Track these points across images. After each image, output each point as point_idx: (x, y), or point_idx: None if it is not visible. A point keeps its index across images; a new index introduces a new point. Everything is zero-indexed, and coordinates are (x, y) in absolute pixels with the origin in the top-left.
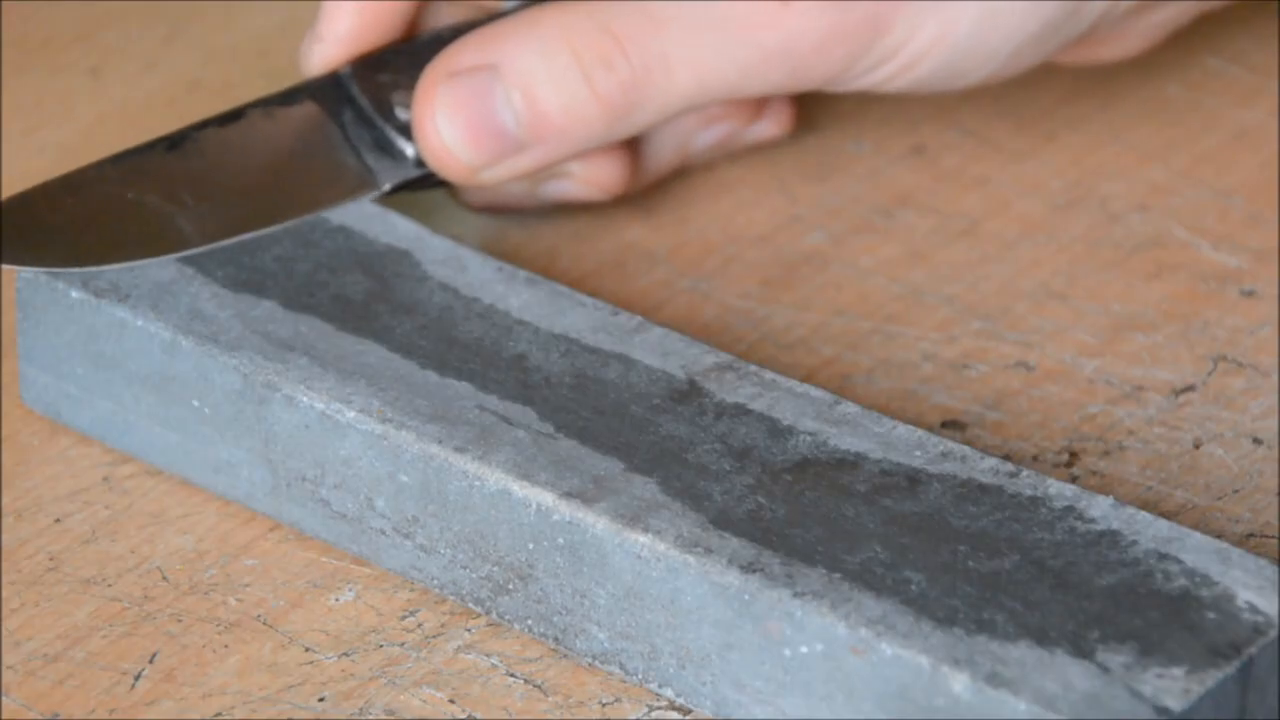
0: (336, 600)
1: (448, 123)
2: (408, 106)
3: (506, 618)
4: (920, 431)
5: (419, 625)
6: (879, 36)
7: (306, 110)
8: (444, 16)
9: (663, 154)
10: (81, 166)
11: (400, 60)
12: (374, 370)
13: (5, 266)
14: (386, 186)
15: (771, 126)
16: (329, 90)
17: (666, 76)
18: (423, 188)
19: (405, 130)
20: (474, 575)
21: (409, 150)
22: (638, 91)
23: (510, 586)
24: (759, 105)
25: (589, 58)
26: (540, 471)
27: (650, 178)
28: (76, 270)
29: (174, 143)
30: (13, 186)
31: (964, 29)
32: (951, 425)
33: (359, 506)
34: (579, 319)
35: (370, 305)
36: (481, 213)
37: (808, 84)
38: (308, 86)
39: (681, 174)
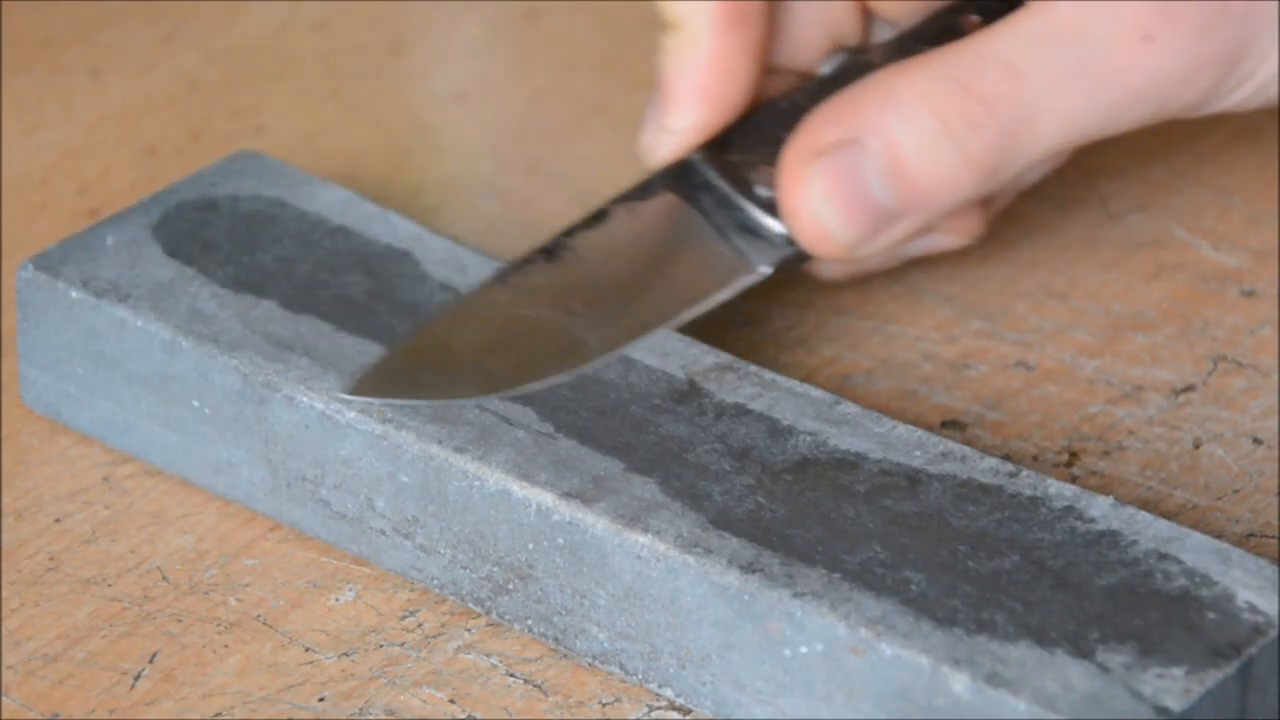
0: (336, 600)
1: (823, 204)
2: (766, 184)
3: (506, 618)
4: (920, 431)
5: (419, 625)
6: (1238, 62)
7: (666, 201)
8: (771, 85)
9: (1011, 188)
10: (468, 293)
11: (747, 137)
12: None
13: (435, 403)
14: (764, 269)
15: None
16: (683, 177)
17: (1033, 129)
18: (793, 265)
19: (768, 208)
20: (474, 575)
21: (776, 227)
22: (1006, 148)
23: (510, 586)
24: None
25: (955, 122)
26: (540, 471)
27: (996, 214)
28: (496, 395)
29: (549, 252)
30: (13, 186)
31: None
32: (951, 425)
33: (359, 506)
34: None
35: (370, 305)
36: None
37: (1169, 115)
38: (660, 177)
39: None
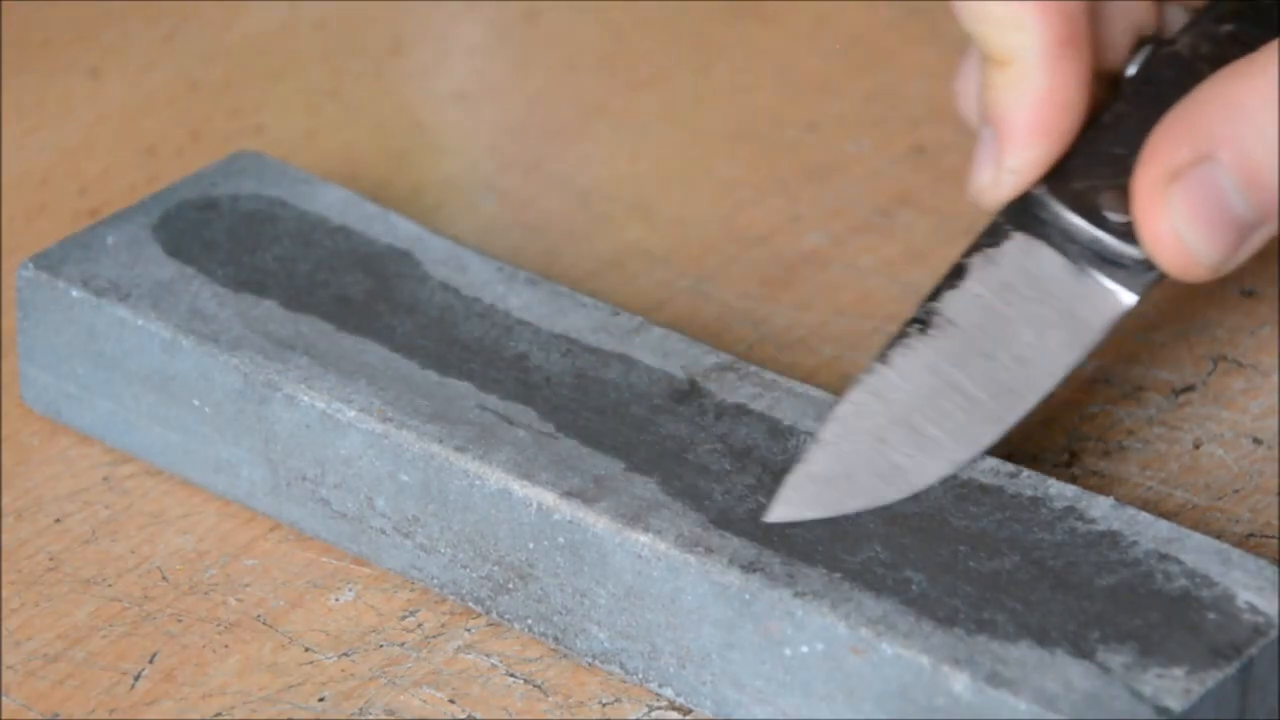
0: (336, 600)
1: (1188, 227)
2: (1115, 210)
3: (506, 617)
4: None
5: (419, 625)
6: None
7: (1020, 244)
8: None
9: None
10: (855, 389)
11: (1085, 162)
12: (374, 370)
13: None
14: (1130, 299)
15: None
16: (1029, 213)
17: None
18: (1151, 290)
19: (1122, 234)
20: (474, 575)
21: (1135, 253)
22: None
23: (510, 586)
24: None
25: None
26: (540, 471)
27: None
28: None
29: (920, 324)
30: (13, 186)
31: None
32: None
33: (359, 506)
34: (579, 319)
35: (370, 305)
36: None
37: None
38: (1008, 216)
39: (680, 174)
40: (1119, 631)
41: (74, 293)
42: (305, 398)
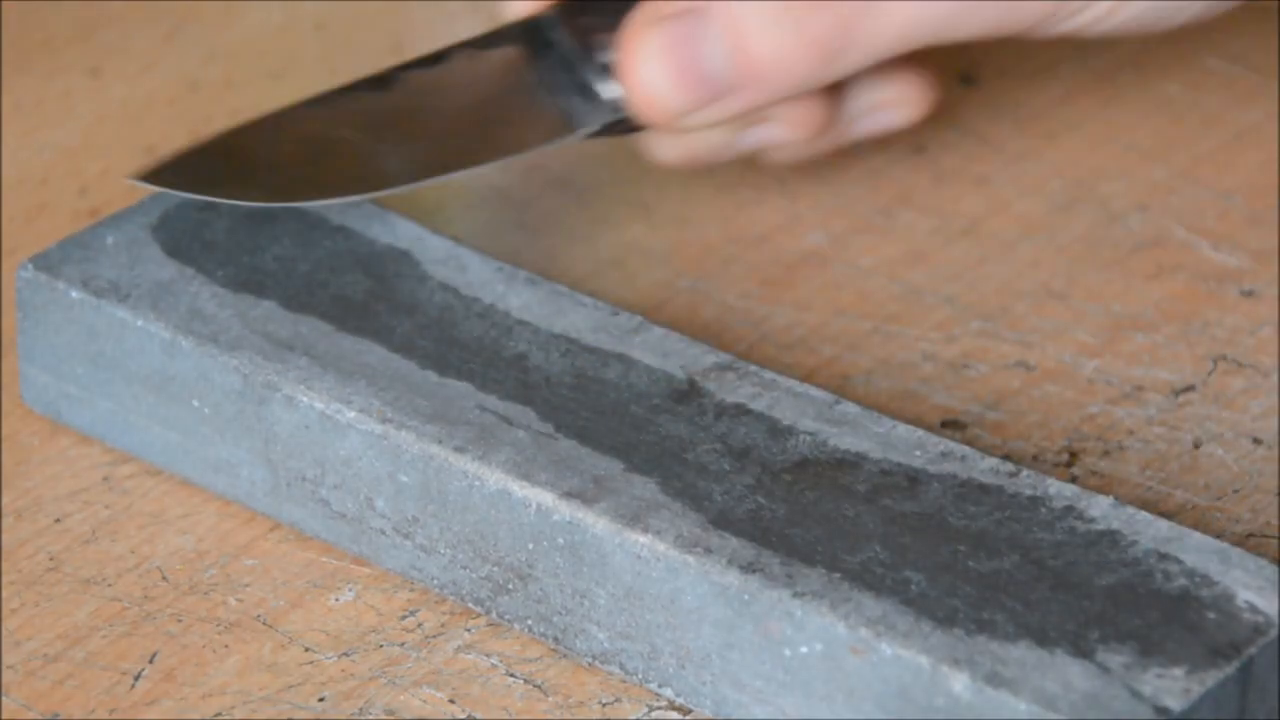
0: (336, 600)
1: (656, 67)
2: (610, 50)
3: (506, 618)
4: (920, 431)
5: (419, 625)
6: None
7: (508, 53)
8: None
9: (848, 110)
10: (287, 106)
11: (603, 3)
12: (374, 370)
13: (221, 200)
14: (583, 131)
15: (910, 112)
16: (532, 33)
17: (876, 17)
18: (619, 133)
19: (606, 73)
20: (474, 575)
21: (607, 93)
22: (847, 33)
23: (510, 586)
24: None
25: (799, 1)
26: (540, 471)
27: (835, 132)
28: (285, 206)
29: (378, 82)
30: (13, 186)
31: None
32: (951, 425)
33: (359, 506)
34: (579, 319)
35: (370, 305)
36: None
37: (1017, 25)
38: (510, 29)
39: (681, 174)
40: (1119, 631)
41: (74, 293)
42: (305, 398)
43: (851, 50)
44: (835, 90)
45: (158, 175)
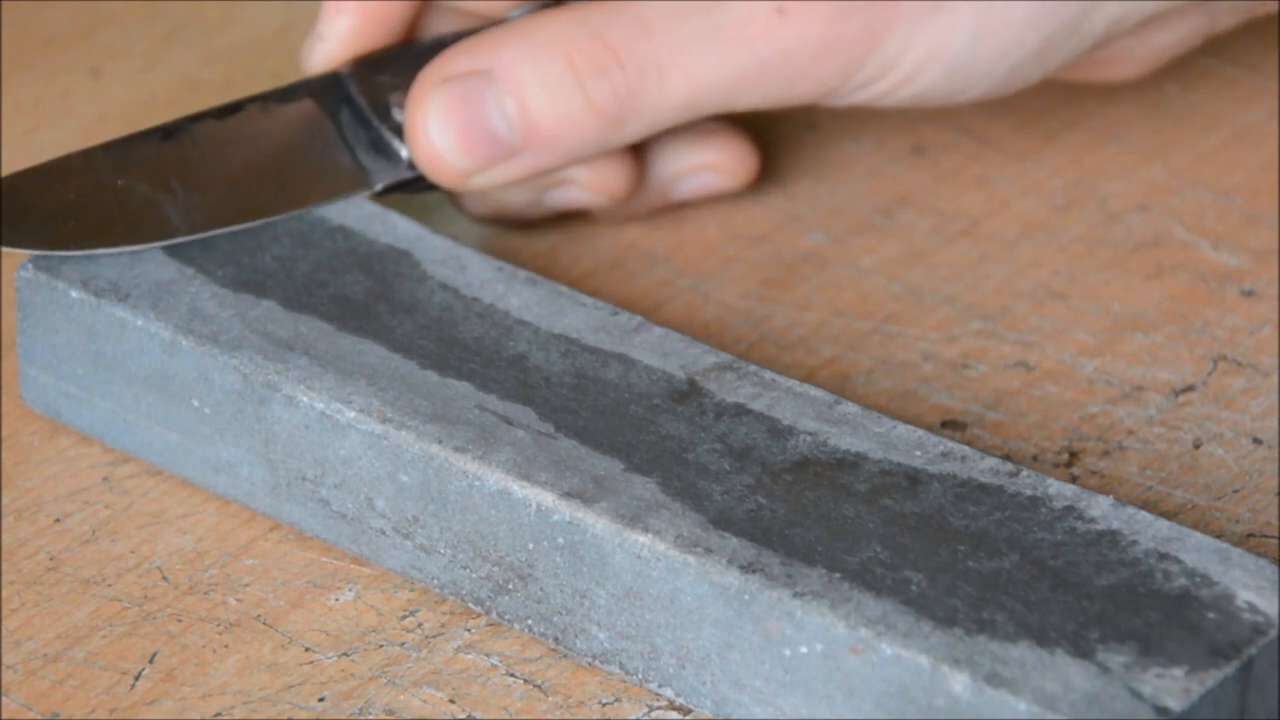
0: (336, 600)
1: (439, 127)
2: (404, 108)
3: (506, 618)
4: (920, 431)
5: (419, 625)
6: (875, 47)
7: (304, 107)
8: (446, 22)
9: (662, 174)
10: (74, 152)
11: (399, 63)
12: (374, 370)
13: None
14: (378, 186)
15: (733, 176)
16: (328, 89)
17: (660, 84)
18: (416, 190)
19: (400, 131)
20: (474, 575)
21: (403, 152)
22: (632, 99)
23: (510, 586)
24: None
25: (583, 65)
26: (540, 471)
27: (652, 195)
28: (61, 254)
29: (169, 132)
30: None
31: (960, 42)
32: (951, 425)
33: (359, 506)
34: (579, 319)
35: (370, 305)
36: (482, 222)
37: (804, 96)
38: (307, 84)
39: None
40: (1119, 631)
41: (74, 293)
42: (305, 398)
43: (635, 117)
44: (640, 153)
45: None
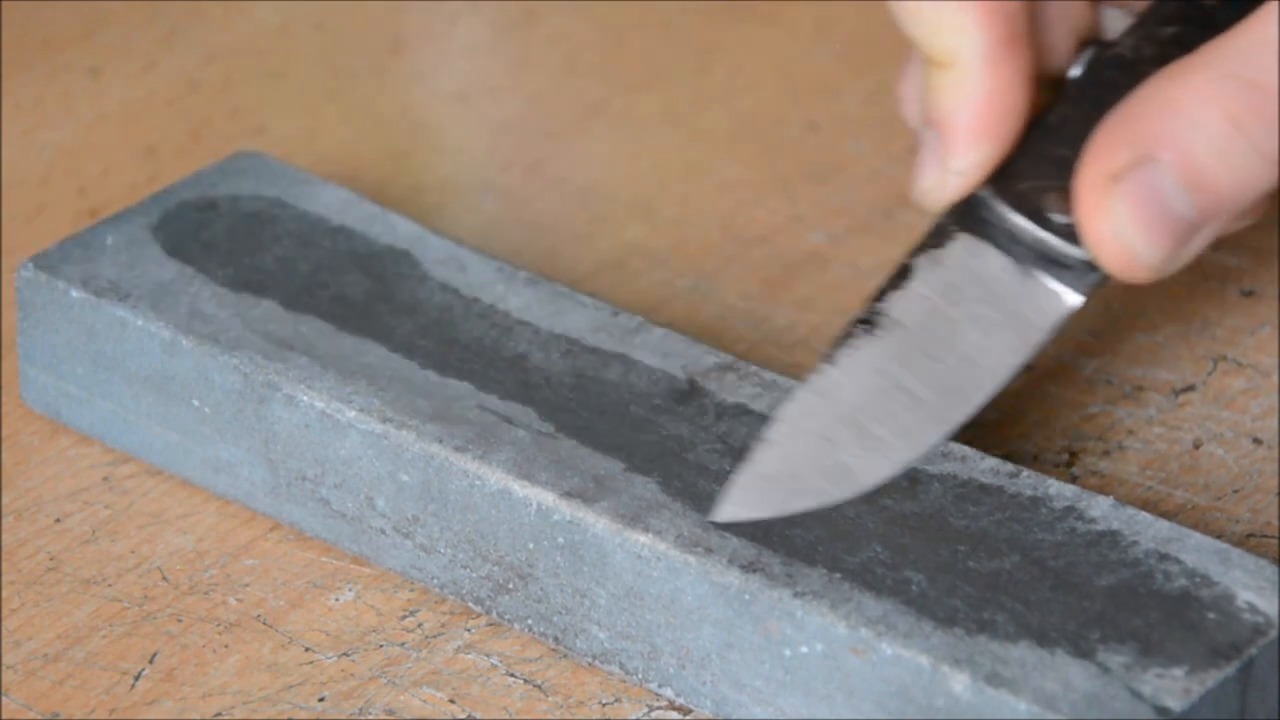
0: (336, 600)
1: (1129, 228)
2: (1060, 211)
3: (506, 618)
4: None
5: (419, 625)
6: None
7: (965, 245)
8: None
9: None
10: (799, 388)
11: (1030, 163)
12: (374, 370)
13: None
14: (1075, 301)
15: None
16: (974, 214)
17: None
18: (1097, 290)
19: (1067, 235)
20: (474, 575)
21: (1079, 254)
22: None
23: (510, 586)
24: None
25: (1246, 120)
26: (540, 471)
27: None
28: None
29: (869, 323)
30: (13, 186)
31: None
32: None
33: (359, 506)
34: (579, 319)
35: (370, 305)
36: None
37: None
38: (953, 217)
39: (680, 174)
40: (1119, 631)
41: (74, 293)
42: (305, 398)
43: None
44: None
45: (736, 506)
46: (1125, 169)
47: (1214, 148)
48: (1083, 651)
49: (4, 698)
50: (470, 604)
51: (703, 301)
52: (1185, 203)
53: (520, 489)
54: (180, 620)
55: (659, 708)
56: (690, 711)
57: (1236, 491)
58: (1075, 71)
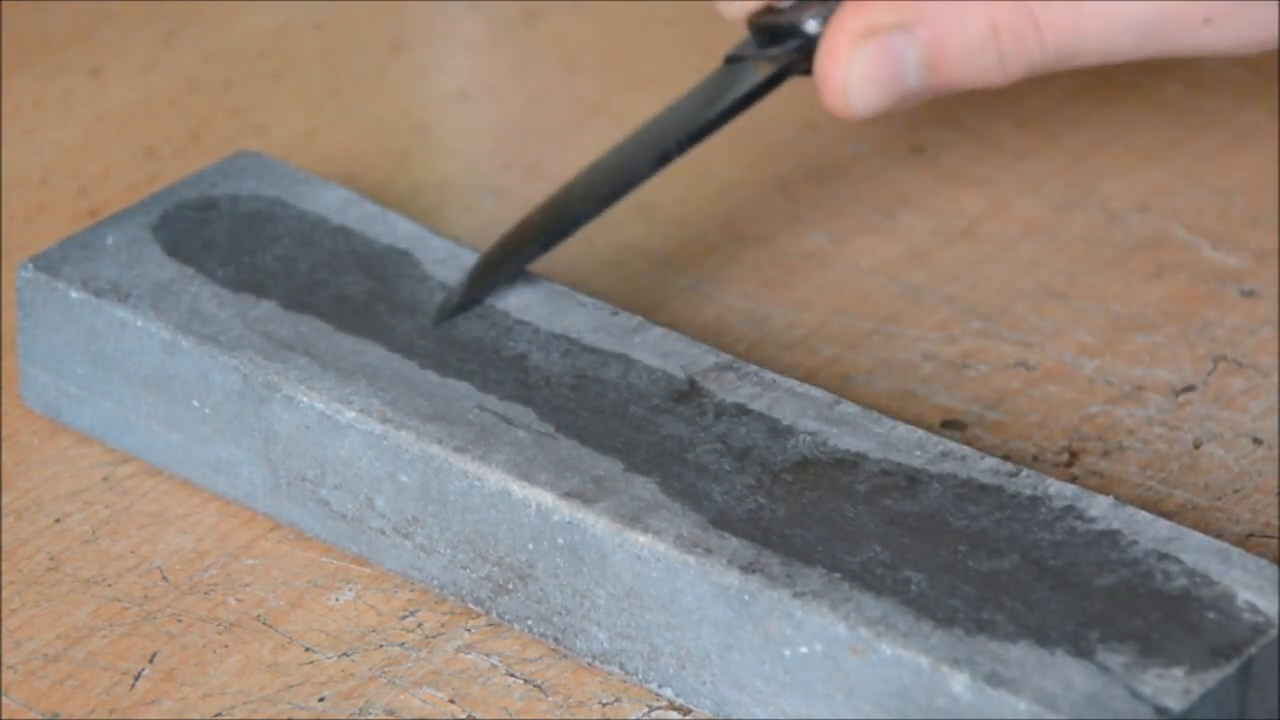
0: (336, 600)
1: (857, 81)
2: (816, 18)
3: (506, 618)
4: (920, 431)
5: (419, 625)
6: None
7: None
8: None
9: None
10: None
11: None
12: (374, 370)
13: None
14: (765, 73)
15: None
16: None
17: (1073, 62)
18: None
19: (793, 32)
20: (474, 575)
21: (789, 45)
22: (1043, 70)
23: (510, 586)
24: None
25: (1007, 36)
26: (540, 471)
27: None
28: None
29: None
30: (13, 186)
31: None
32: (951, 425)
33: (359, 506)
34: (579, 319)
35: (370, 305)
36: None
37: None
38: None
39: (680, 174)
40: (1119, 631)
41: (74, 293)
42: (305, 398)
43: (1042, 75)
44: None
45: None
46: (881, 28)
47: (967, 45)
48: (1083, 651)
49: (4, 698)
50: (470, 604)
51: (703, 301)
52: (917, 77)
53: (520, 489)
54: (180, 620)
55: (659, 708)
56: (690, 711)
57: (1236, 491)
58: None
